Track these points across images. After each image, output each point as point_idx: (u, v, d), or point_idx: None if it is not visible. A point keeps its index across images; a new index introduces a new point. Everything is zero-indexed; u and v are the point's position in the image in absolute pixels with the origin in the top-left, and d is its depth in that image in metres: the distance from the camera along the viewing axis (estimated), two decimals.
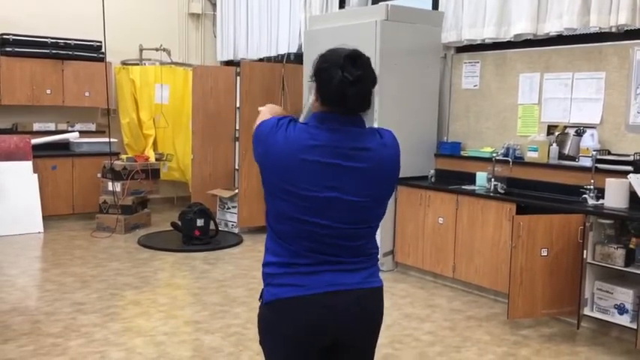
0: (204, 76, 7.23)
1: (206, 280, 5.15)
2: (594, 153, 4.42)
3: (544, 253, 4.07)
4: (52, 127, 7.47)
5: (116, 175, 6.84)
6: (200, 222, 6.25)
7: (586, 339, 4.06)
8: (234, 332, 3.98)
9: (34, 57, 7.13)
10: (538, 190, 4.77)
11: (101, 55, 7.40)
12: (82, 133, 7.58)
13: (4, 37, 7.02)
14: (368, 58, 1.83)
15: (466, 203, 4.87)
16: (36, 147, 7.03)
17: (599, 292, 4.09)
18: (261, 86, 6.80)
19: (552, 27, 4.65)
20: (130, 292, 4.82)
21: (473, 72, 5.52)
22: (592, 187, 4.35)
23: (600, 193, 4.28)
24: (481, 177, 5.08)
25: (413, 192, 5.27)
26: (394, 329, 4.11)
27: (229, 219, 7.04)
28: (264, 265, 1.88)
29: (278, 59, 7.34)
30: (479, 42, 5.28)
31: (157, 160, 7.53)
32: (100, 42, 7.15)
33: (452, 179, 5.31)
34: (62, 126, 7.54)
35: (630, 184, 4.08)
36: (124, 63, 7.97)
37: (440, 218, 5.07)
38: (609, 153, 4.48)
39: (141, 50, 8.11)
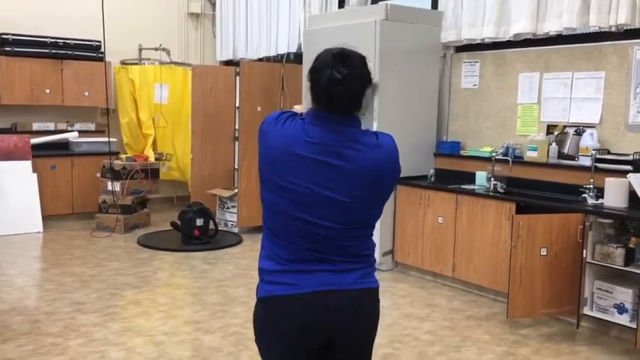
0: (204, 76, 7.23)
1: (206, 280, 5.15)
2: (594, 152, 4.43)
3: (543, 252, 4.07)
4: (51, 126, 7.47)
5: (115, 175, 6.84)
6: (199, 222, 6.25)
7: (586, 338, 4.06)
8: (234, 332, 3.98)
9: (34, 57, 7.13)
10: (538, 190, 4.77)
11: (100, 55, 7.40)
12: (82, 132, 7.58)
13: (4, 36, 7.01)
14: (359, 57, 1.81)
15: (466, 203, 4.87)
16: (35, 147, 7.03)
17: (599, 292, 4.09)
18: (261, 86, 6.80)
19: (552, 26, 4.66)
20: (130, 291, 4.82)
21: (472, 71, 5.52)
22: (591, 186, 4.35)
23: (600, 192, 4.29)
24: (481, 176, 5.08)
25: (412, 191, 5.27)
26: (394, 329, 4.11)
27: (229, 219, 7.04)
28: (259, 259, 1.89)
29: (277, 59, 7.34)
30: (478, 41, 5.28)
31: (156, 159, 7.53)
32: (100, 42, 7.15)
33: (451, 179, 5.32)
34: (62, 126, 7.54)
35: (630, 183, 4.08)
36: (123, 63, 7.97)
37: (439, 218, 5.07)
38: (609, 152, 4.48)
39: (140, 50, 8.11)
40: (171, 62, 8.14)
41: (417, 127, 5.54)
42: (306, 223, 1.77)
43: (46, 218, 6.89)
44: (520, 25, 4.84)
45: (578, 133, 4.71)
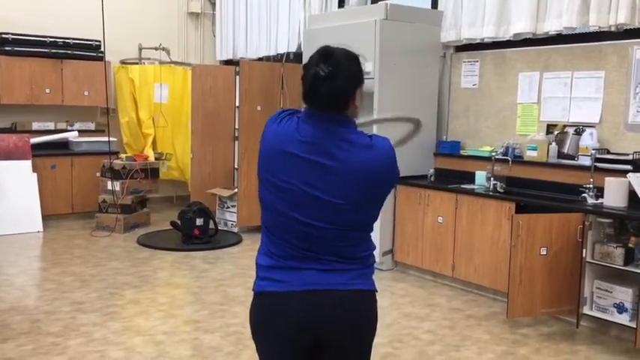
0: (204, 76, 7.23)
1: (205, 280, 5.15)
2: (593, 152, 4.43)
3: (543, 252, 4.07)
4: (51, 126, 7.47)
5: (115, 175, 6.84)
6: (199, 221, 6.25)
7: (585, 338, 4.06)
8: (234, 331, 3.98)
9: (34, 56, 7.12)
10: (537, 189, 4.77)
11: (100, 55, 7.40)
12: (82, 132, 7.58)
13: (3, 36, 7.01)
14: (346, 55, 1.80)
15: (465, 202, 4.87)
16: (35, 146, 7.03)
17: (599, 291, 4.10)
18: (261, 85, 6.80)
19: (552, 26, 4.66)
20: (130, 291, 4.82)
21: (472, 71, 5.52)
22: (591, 186, 4.35)
23: (599, 192, 4.29)
24: (480, 176, 5.08)
25: (412, 191, 5.27)
26: (394, 328, 4.11)
27: (229, 218, 7.04)
28: (257, 255, 1.92)
29: (277, 58, 7.33)
30: (478, 41, 5.28)
31: (156, 159, 7.53)
32: (99, 41, 7.15)
33: (451, 178, 5.31)
34: (61, 125, 7.54)
35: (629, 183, 4.08)
36: (123, 62, 7.96)
37: (439, 217, 5.07)
38: (608, 152, 4.48)
39: (140, 49, 8.11)
40: (171, 62, 8.14)
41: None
42: (298, 223, 1.78)
43: (45, 218, 6.89)
44: (520, 25, 4.84)
45: (578, 132, 4.71)
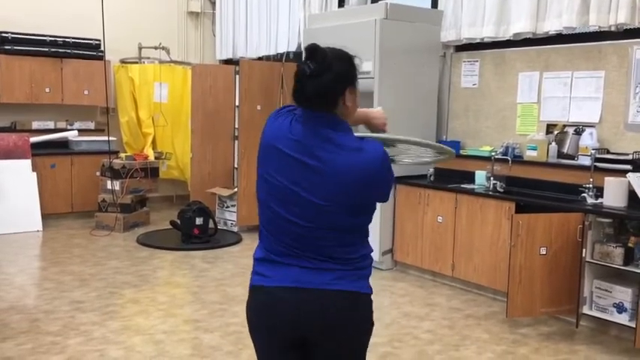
0: (204, 75, 7.23)
1: (205, 279, 5.15)
2: (593, 152, 4.43)
3: (543, 251, 4.07)
4: (51, 125, 7.46)
5: (115, 174, 6.84)
6: (199, 220, 6.25)
7: (585, 337, 4.06)
8: (234, 331, 3.98)
9: (33, 55, 7.12)
10: (537, 189, 4.77)
11: (100, 54, 7.40)
12: (81, 131, 7.57)
13: (3, 35, 7.01)
14: (333, 53, 1.80)
15: (465, 202, 4.87)
16: (35, 145, 7.03)
17: (598, 291, 4.10)
18: (260, 85, 6.80)
19: (552, 26, 4.66)
20: (129, 290, 4.82)
21: (472, 71, 5.52)
22: (591, 185, 4.35)
23: (599, 191, 4.29)
24: (480, 176, 5.08)
25: (412, 191, 5.27)
26: (393, 328, 4.11)
27: (228, 217, 7.03)
28: (255, 249, 1.96)
29: (277, 58, 7.33)
30: (478, 41, 5.28)
31: (156, 158, 7.53)
32: (99, 40, 7.15)
33: (451, 178, 5.31)
34: (61, 124, 7.54)
35: (629, 183, 4.09)
36: (123, 61, 7.96)
37: (439, 217, 5.07)
38: (608, 152, 4.48)
39: (140, 49, 8.10)
40: (171, 61, 8.13)
41: (417, 126, 5.54)
42: (285, 220, 1.81)
43: (45, 217, 6.88)
44: (520, 25, 4.84)
45: (578, 132, 4.71)
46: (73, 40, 7.36)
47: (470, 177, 5.17)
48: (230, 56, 8.23)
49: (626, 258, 3.92)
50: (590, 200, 4.29)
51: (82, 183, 7.31)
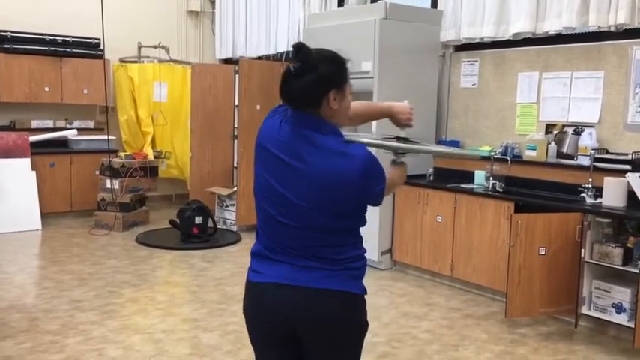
0: (203, 74, 7.22)
1: (204, 278, 5.15)
2: (592, 152, 4.43)
3: (542, 251, 4.07)
4: (50, 124, 7.46)
5: (114, 173, 6.84)
6: (198, 220, 6.25)
7: (583, 337, 4.06)
8: (233, 330, 3.98)
9: (33, 54, 7.11)
10: (536, 189, 4.77)
11: (100, 53, 7.39)
12: (81, 130, 7.57)
13: (3, 34, 7.00)
14: (318, 54, 1.80)
15: (464, 202, 4.88)
16: (34, 144, 7.02)
17: (597, 291, 4.10)
18: (260, 84, 6.80)
19: (551, 26, 4.66)
20: (128, 289, 4.82)
21: (471, 71, 5.52)
22: (590, 186, 4.35)
23: (598, 192, 4.29)
24: (479, 176, 5.09)
25: (411, 190, 5.27)
26: (392, 327, 4.11)
27: (227, 217, 7.04)
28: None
29: (277, 57, 7.33)
30: (478, 41, 5.28)
31: (155, 157, 7.53)
32: (99, 39, 7.14)
33: (450, 178, 5.32)
34: (60, 123, 7.53)
35: (628, 183, 4.09)
36: (122, 60, 7.96)
37: (438, 217, 5.07)
38: (607, 152, 4.49)
39: (139, 48, 8.10)
40: (171, 60, 8.13)
41: (416, 125, 5.45)
42: (274, 219, 1.85)
43: (44, 216, 6.88)
44: (519, 25, 4.84)
45: (577, 132, 4.71)
46: (73, 39, 7.36)
47: (469, 177, 5.17)
48: (230, 55, 8.23)
49: (625, 258, 3.93)
50: (589, 200, 4.30)
51: (81, 182, 7.31)
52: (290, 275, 1.83)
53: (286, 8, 7.17)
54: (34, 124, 7.34)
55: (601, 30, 4.41)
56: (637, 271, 3.73)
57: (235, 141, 7.08)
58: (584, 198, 4.33)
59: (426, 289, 5.01)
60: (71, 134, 7.46)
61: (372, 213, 5.30)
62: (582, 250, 4.03)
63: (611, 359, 3.74)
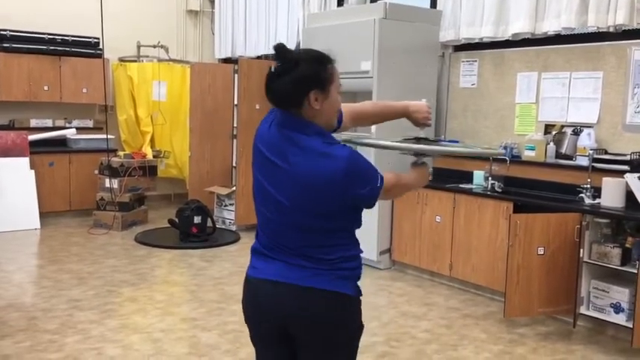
0: (202, 74, 7.22)
1: (203, 278, 5.15)
2: (591, 152, 4.43)
3: (541, 251, 4.08)
4: (49, 123, 7.44)
5: (113, 172, 6.83)
6: (197, 219, 6.25)
7: (582, 337, 4.07)
8: (231, 330, 3.98)
9: (32, 53, 7.10)
10: (535, 189, 4.78)
11: (99, 52, 7.39)
12: (80, 129, 7.55)
13: (2, 33, 6.99)
14: (297, 55, 1.81)
15: (463, 202, 4.88)
16: (33, 143, 7.02)
17: (595, 291, 4.10)
18: (259, 84, 6.78)
19: (550, 26, 4.66)
20: (127, 289, 4.82)
21: (471, 71, 5.52)
22: (589, 186, 4.36)
23: (597, 192, 4.29)
24: (478, 175, 5.09)
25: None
26: (391, 327, 4.11)
27: (226, 216, 7.03)
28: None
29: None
30: (477, 41, 5.28)
31: (154, 157, 7.52)
32: (98, 38, 7.13)
33: (449, 178, 5.32)
34: (59, 122, 7.52)
35: (627, 183, 4.09)
36: (121, 60, 7.95)
37: (437, 217, 5.08)
38: (606, 152, 4.49)
39: (139, 47, 8.10)
40: (170, 59, 8.13)
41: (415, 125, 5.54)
42: (267, 217, 1.89)
43: (43, 215, 6.88)
44: (519, 25, 4.84)
45: (576, 132, 4.71)
46: (72, 39, 7.35)
47: (468, 177, 5.18)
48: (229, 55, 8.22)
49: (624, 258, 3.93)
50: (587, 200, 4.30)
51: (80, 181, 7.30)
52: (283, 273, 1.85)
53: (286, 8, 7.17)
54: (33, 123, 7.33)
55: (600, 30, 4.41)
56: (635, 271, 3.73)
57: (234, 140, 7.08)
58: (582, 198, 4.33)
59: (425, 289, 5.01)
60: (70, 133, 7.45)
61: (371, 213, 5.29)
62: (581, 250, 4.04)
63: (609, 359, 3.74)
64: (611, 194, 4.14)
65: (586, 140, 4.60)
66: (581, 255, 4.05)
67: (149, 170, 7.12)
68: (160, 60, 8.02)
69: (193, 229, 6.24)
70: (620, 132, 4.47)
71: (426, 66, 5.57)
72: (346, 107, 2.07)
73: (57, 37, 7.27)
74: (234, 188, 6.89)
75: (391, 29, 5.28)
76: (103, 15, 6.22)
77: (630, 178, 4.08)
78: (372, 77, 5.24)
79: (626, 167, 4.21)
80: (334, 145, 1.81)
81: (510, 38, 4.99)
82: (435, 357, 3.69)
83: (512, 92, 5.19)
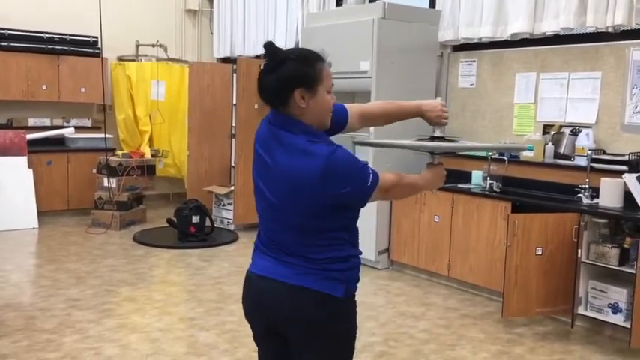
0: (201, 73, 7.22)
1: (201, 277, 5.15)
2: (589, 152, 4.44)
3: (539, 251, 4.08)
4: (47, 122, 7.44)
5: (112, 172, 6.83)
6: (195, 219, 6.25)
7: (580, 337, 4.07)
8: (229, 329, 3.98)
9: (30, 52, 7.09)
10: (533, 189, 4.78)
11: (97, 51, 7.38)
12: (78, 128, 7.55)
13: (0, 31, 6.98)
14: (287, 53, 1.84)
15: (462, 202, 4.88)
16: (31, 142, 7.01)
17: (593, 291, 4.11)
18: None
19: (549, 26, 4.67)
20: (125, 288, 4.81)
21: (469, 71, 5.53)
22: (587, 186, 4.36)
23: (595, 192, 4.30)
24: (477, 176, 5.09)
25: None
26: (389, 327, 4.12)
27: (225, 216, 7.03)
28: None
29: None
30: (476, 41, 5.29)
31: (152, 156, 7.52)
32: (96, 37, 7.13)
33: (447, 178, 5.26)
34: (58, 121, 7.51)
35: (625, 183, 4.10)
36: (120, 59, 7.95)
37: (435, 217, 5.08)
38: (604, 153, 4.50)
39: (137, 46, 8.09)
40: (168, 59, 8.12)
41: (413, 125, 5.51)
42: (261, 215, 1.94)
43: (41, 214, 6.87)
44: (517, 25, 4.85)
45: (574, 133, 4.72)
46: (70, 38, 7.34)
47: (466, 177, 5.18)
48: (228, 54, 8.22)
49: (622, 258, 3.94)
50: (585, 201, 4.31)
51: (78, 180, 7.29)
52: (274, 269, 1.87)
53: (284, 7, 7.16)
54: (31, 122, 7.32)
55: (598, 31, 4.42)
56: (633, 271, 3.73)
57: (233, 140, 7.08)
58: (580, 198, 4.34)
59: (423, 289, 5.01)
60: (68, 132, 7.44)
61: (370, 213, 5.31)
62: (579, 251, 4.04)
63: (606, 359, 3.75)
64: (609, 194, 4.14)
65: (584, 140, 4.61)
66: (579, 255, 4.05)
67: (147, 170, 7.12)
68: (158, 59, 8.02)
69: (192, 229, 6.24)
70: (619, 132, 4.48)
71: (424, 66, 5.58)
72: (354, 107, 2.05)
73: (55, 36, 7.26)
74: (232, 188, 6.88)
75: (390, 29, 5.28)
76: (102, 14, 6.21)
77: (628, 178, 4.09)
78: (370, 77, 5.24)
79: (624, 167, 4.21)
80: (318, 144, 1.78)
81: (509, 38, 5.00)
82: (433, 357, 3.69)
83: (511, 92, 5.19)
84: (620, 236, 4.04)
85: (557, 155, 4.79)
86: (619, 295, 3.97)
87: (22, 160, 6.84)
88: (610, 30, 4.34)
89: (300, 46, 6.41)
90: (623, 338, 3.89)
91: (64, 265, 5.37)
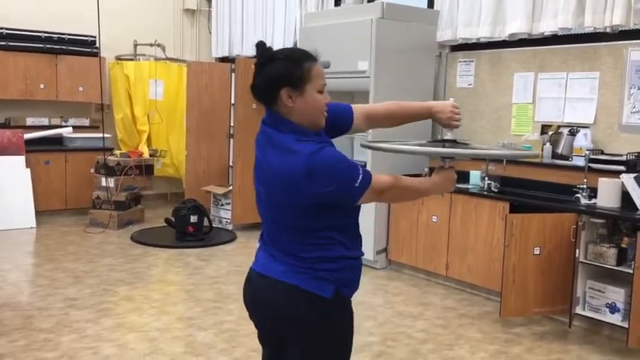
0: (199, 73, 7.21)
1: (199, 277, 5.15)
2: (587, 152, 4.44)
3: (537, 251, 4.08)
4: (45, 121, 7.43)
5: (109, 171, 6.82)
6: (194, 218, 6.24)
7: (577, 337, 4.08)
8: (228, 329, 3.98)
9: (28, 51, 7.08)
10: (531, 189, 4.79)
11: (95, 50, 7.37)
12: (76, 128, 7.54)
13: None
14: (276, 53, 1.87)
15: (460, 202, 4.89)
16: (29, 142, 6.99)
17: (591, 291, 4.11)
18: None
19: (547, 26, 4.67)
20: (123, 288, 4.81)
21: (468, 71, 5.53)
22: (585, 186, 4.37)
23: (593, 192, 4.30)
24: (475, 176, 5.09)
25: None
26: (387, 327, 4.11)
27: (223, 216, 7.03)
28: None
29: None
30: (474, 41, 5.29)
31: (150, 156, 7.51)
32: (95, 37, 7.12)
33: None
34: (55, 121, 7.50)
35: (623, 183, 4.10)
36: (118, 58, 7.93)
37: (433, 216, 5.08)
38: (602, 153, 4.50)
39: (135, 46, 8.08)
40: (167, 58, 8.11)
41: (412, 125, 5.50)
42: (259, 213, 1.96)
43: (39, 214, 6.86)
44: (515, 25, 4.85)
45: (572, 133, 4.72)
46: (68, 37, 7.33)
47: (464, 177, 5.17)
48: (226, 54, 8.21)
49: (619, 258, 3.94)
50: (583, 201, 4.31)
51: (76, 180, 7.29)
52: (273, 268, 1.89)
53: (283, 7, 7.16)
54: (29, 121, 7.31)
55: (597, 31, 4.42)
56: (631, 271, 3.74)
57: (231, 140, 7.07)
58: (578, 198, 4.34)
59: (421, 289, 5.01)
60: (66, 132, 7.43)
61: (368, 212, 5.31)
62: (577, 251, 4.05)
63: (604, 359, 3.75)
64: (607, 194, 4.14)
65: (582, 141, 4.61)
66: (576, 255, 4.05)
67: (145, 169, 7.11)
68: (156, 59, 8.01)
69: (190, 229, 6.23)
70: (617, 132, 4.49)
71: (423, 66, 5.58)
72: (359, 108, 2.04)
73: (53, 35, 7.24)
74: (230, 187, 6.88)
75: (388, 29, 5.28)
76: (100, 13, 6.21)
77: (626, 178, 4.09)
78: (369, 77, 5.24)
79: (622, 168, 4.21)
80: (304, 143, 1.77)
81: (507, 38, 5.00)
82: (431, 356, 3.69)
83: (509, 92, 5.19)
84: (617, 236, 4.04)
85: (555, 155, 4.79)
86: (617, 295, 3.98)
87: (20, 160, 6.83)
88: (608, 30, 4.34)
89: (298, 45, 6.41)
90: (621, 338, 3.90)
91: (61, 264, 5.36)
